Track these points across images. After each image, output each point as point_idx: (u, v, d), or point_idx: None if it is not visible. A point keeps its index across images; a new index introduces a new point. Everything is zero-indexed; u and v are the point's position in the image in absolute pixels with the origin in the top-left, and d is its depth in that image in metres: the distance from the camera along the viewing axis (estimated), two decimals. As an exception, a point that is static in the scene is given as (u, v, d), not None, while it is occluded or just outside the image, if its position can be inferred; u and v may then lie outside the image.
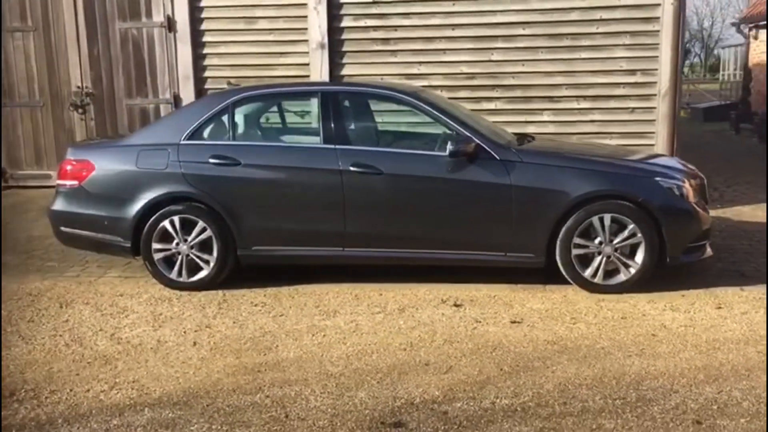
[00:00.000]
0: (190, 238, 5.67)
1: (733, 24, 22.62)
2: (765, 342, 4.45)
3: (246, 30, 8.67)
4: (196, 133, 5.77)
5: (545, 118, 8.37)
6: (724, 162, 12.20)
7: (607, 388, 3.88)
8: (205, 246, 5.69)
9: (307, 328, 4.88)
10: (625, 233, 5.37)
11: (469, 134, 5.55)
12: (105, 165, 5.84)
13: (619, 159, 5.92)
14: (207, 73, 8.83)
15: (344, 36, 8.52)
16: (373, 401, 3.80)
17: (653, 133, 8.24)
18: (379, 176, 5.53)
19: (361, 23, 8.47)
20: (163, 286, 5.78)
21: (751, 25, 18.65)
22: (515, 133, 6.48)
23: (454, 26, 8.35)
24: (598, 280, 5.46)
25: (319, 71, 8.50)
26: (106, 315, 5.24)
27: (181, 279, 5.73)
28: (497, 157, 5.48)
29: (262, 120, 6.57)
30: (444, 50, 8.40)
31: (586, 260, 5.47)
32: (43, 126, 9.36)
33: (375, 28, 8.47)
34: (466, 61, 8.40)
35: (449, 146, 5.43)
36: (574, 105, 8.33)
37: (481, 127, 5.79)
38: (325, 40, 8.45)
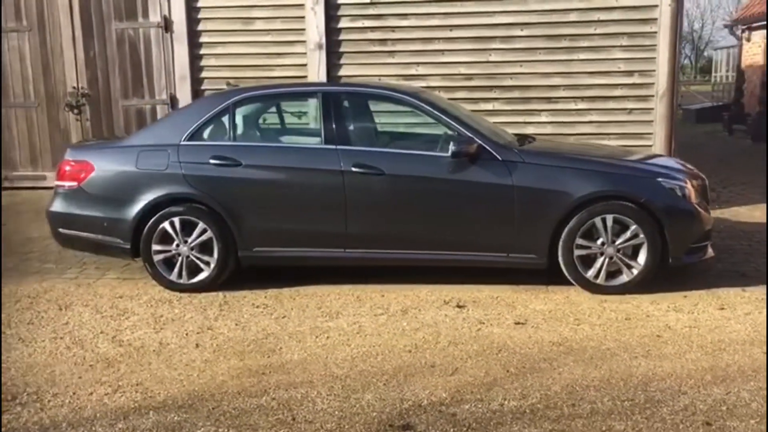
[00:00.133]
0: (190, 240, 5.63)
1: (726, 26, 22.74)
2: (769, 343, 4.46)
3: (243, 30, 8.64)
4: (196, 134, 5.73)
5: (543, 118, 8.37)
6: (719, 163, 12.24)
7: (614, 389, 3.87)
8: (205, 247, 5.65)
9: (310, 330, 4.85)
10: (628, 234, 5.37)
11: (471, 135, 5.53)
12: (104, 166, 5.79)
13: (622, 160, 5.92)
14: (204, 74, 8.79)
15: (342, 37, 8.50)
16: (380, 403, 3.77)
17: (651, 134, 8.25)
18: (381, 177, 5.51)
19: (359, 24, 8.45)
20: (163, 288, 5.73)
21: (743, 27, 18.72)
22: (515, 134, 6.46)
23: (452, 27, 8.34)
24: (600, 281, 5.45)
25: (316, 72, 8.47)
26: (107, 317, 5.19)
27: (181, 281, 5.69)
28: (499, 158, 5.47)
29: (263, 120, 6.53)
30: (442, 51, 8.39)
31: (588, 261, 5.46)
32: (38, 127, 9.29)
33: (373, 28, 8.45)
34: (464, 62, 8.39)
35: (451, 147, 5.42)
36: (572, 106, 8.33)
37: (482, 128, 5.77)
38: (323, 40, 8.43)
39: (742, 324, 4.81)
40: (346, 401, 3.81)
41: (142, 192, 5.65)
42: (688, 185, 5.53)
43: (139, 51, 8.95)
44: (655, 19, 8.05)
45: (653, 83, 8.16)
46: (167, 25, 8.76)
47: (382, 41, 8.45)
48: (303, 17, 8.46)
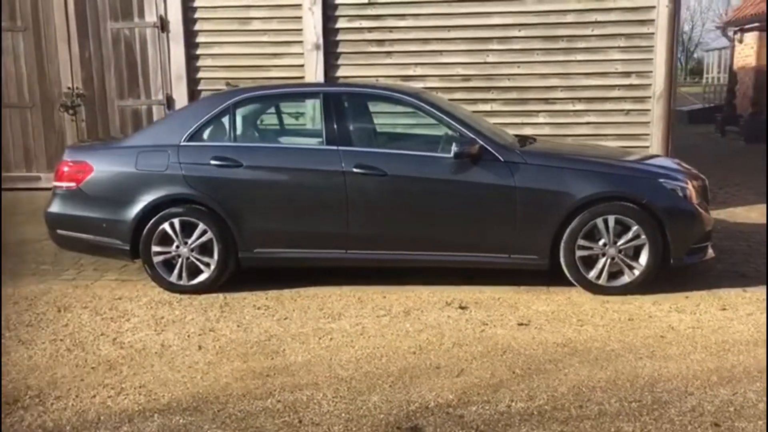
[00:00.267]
0: (190, 241, 5.59)
1: (718, 27, 22.82)
2: (773, 343, 4.47)
3: (240, 31, 8.60)
4: (196, 135, 5.70)
5: (541, 119, 8.37)
6: (713, 164, 12.25)
7: (621, 390, 3.86)
8: (205, 249, 5.62)
9: (313, 332, 4.82)
10: (629, 235, 5.37)
11: (473, 136, 5.52)
12: (103, 167, 5.74)
13: (624, 161, 5.92)
14: (200, 74, 8.74)
15: (339, 37, 8.47)
16: (387, 405, 3.75)
17: (648, 134, 8.27)
18: (382, 178, 5.49)
19: (357, 24, 8.43)
20: (162, 290, 5.69)
21: (736, 29, 18.80)
22: (515, 135, 6.45)
23: (449, 28, 8.33)
24: (602, 281, 5.45)
25: (314, 73, 8.44)
26: (106, 319, 5.15)
27: (181, 282, 5.65)
28: (501, 159, 5.46)
29: (264, 121, 6.50)
30: (440, 52, 8.38)
31: (590, 262, 5.46)
32: (33, 127, 9.20)
33: (370, 29, 8.43)
34: (461, 62, 8.38)
35: (453, 148, 5.40)
36: (570, 107, 8.34)
37: (484, 129, 5.76)
38: (320, 41, 8.40)
39: (744, 325, 4.81)
40: (353, 403, 3.79)
41: (141, 193, 5.61)
42: (689, 186, 5.54)
43: (135, 51, 8.89)
44: (653, 20, 8.06)
45: (650, 84, 8.18)
46: (163, 25, 8.71)
47: (380, 42, 8.43)
48: (300, 17, 8.43)
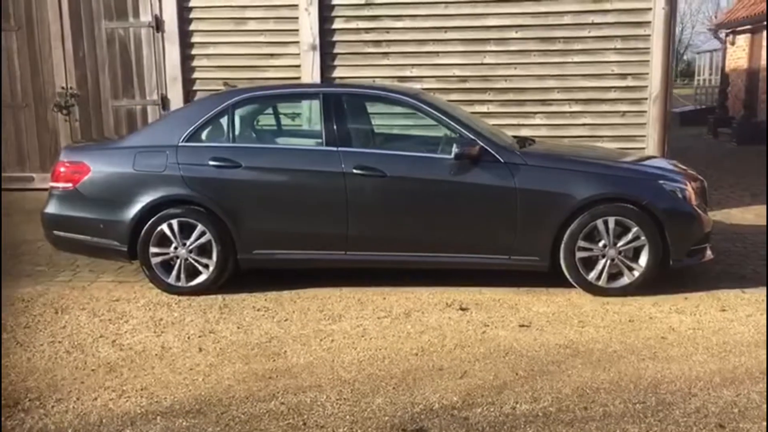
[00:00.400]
0: (189, 242, 5.56)
1: (709, 29, 22.94)
2: (774, 344, 4.48)
3: (236, 31, 8.57)
4: (195, 135, 5.66)
5: (537, 121, 8.37)
6: (707, 165, 12.29)
7: (625, 392, 3.86)
8: (204, 250, 5.58)
9: (314, 333, 4.80)
10: (629, 236, 5.37)
11: (473, 137, 5.51)
12: (101, 167, 5.70)
13: (623, 162, 5.93)
14: (195, 75, 8.70)
15: (336, 38, 8.46)
16: (391, 407, 3.73)
17: (644, 136, 8.29)
18: (383, 179, 5.47)
19: (353, 25, 8.41)
20: (160, 291, 5.66)
21: (728, 31, 18.90)
22: (513, 136, 6.45)
23: (446, 29, 8.33)
24: (602, 283, 5.45)
25: (310, 73, 8.41)
26: (105, 321, 5.11)
27: (179, 283, 5.61)
28: (501, 160, 5.45)
29: (263, 122, 6.47)
30: (437, 53, 8.37)
31: (589, 263, 5.46)
32: (26, 127, 9.14)
33: (367, 30, 8.41)
34: (458, 63, 8.37)
35: (454, 149, 5.39)
36: (566, 108, 8.35)
37: (483, 130, 5.76)
38: (317, 41, 8.38)
39: (744, 326, 4.82)
40: (357, 405, 3.77)
41: (139, 194, 5.57)
42: (689, 187, 5.55)
43: (129, 51, 8.85)
44: (649, 22, 8.09)
45: (647, 86, 8.20)
46: (158, 24, 8.67)
47: (377, 42, 8.41)
48: (296, 18, 8.40)
